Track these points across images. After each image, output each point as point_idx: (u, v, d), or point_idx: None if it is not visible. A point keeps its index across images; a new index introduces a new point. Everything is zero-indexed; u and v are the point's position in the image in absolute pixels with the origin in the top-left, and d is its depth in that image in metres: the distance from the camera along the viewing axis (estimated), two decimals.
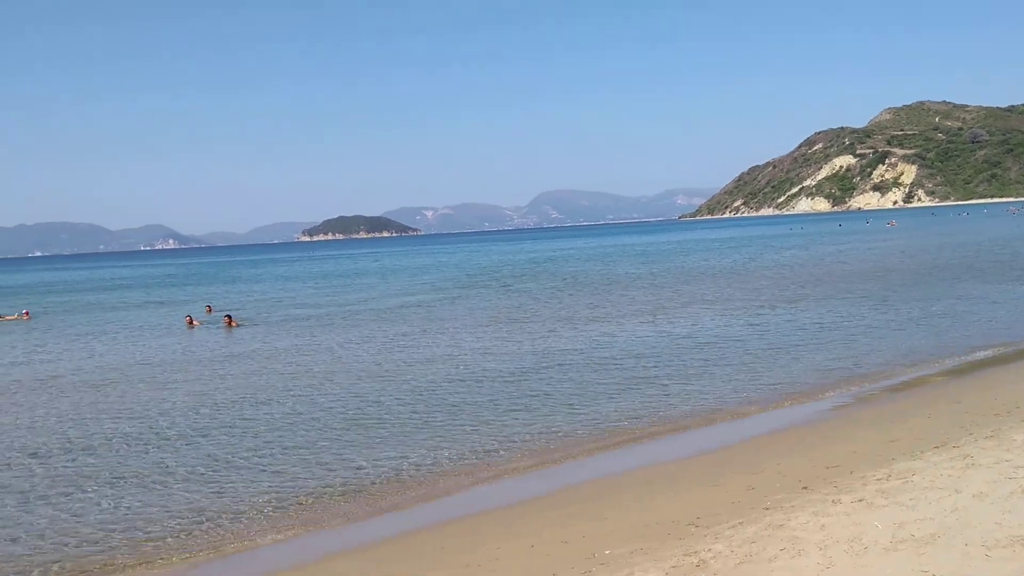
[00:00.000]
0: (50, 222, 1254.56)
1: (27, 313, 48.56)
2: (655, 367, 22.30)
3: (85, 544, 11.53)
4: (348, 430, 17.12)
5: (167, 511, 12.72)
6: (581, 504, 11.96)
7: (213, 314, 42.89)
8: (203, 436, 17.26)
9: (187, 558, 10.97)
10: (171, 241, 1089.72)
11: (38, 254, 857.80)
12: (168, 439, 17.13)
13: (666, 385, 19.92)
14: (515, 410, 18.12)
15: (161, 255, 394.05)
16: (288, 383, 22.81)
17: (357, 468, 14.47)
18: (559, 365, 23.37)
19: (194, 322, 38.78)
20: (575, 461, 14.46)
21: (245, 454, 15.69)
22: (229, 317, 38.47)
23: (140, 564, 10.83)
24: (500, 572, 9.30)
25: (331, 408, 19.30)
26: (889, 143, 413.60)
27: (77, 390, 23.58)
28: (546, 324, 33.08)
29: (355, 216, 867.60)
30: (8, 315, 47.65)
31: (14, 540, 11.81)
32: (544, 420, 17.10)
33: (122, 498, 13.45)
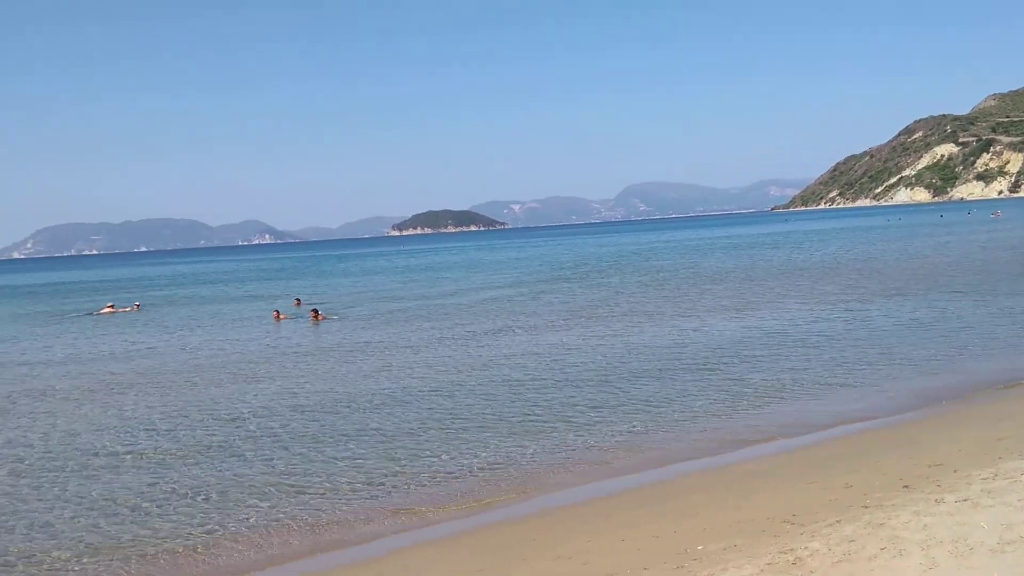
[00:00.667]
0: (154, 219, 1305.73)
1: (137, 305, 52.12)
2: (744, 363, 21.95)
3: (164, 526, 12.07)
4: (432, 425, 17.33)
5: (255, 503, 13.16)
6: (672, 501, 11.88)
7: (301, 307, 44.26)
8: (283, 429, 17.76)
9: (286, 544, 11.36)
10: (267, 236, 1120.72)
11: (143, 249, 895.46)
12: (250, 432, 17.69)
13: (758, 382, 19.57)
14: (601, 407, 18.08)
15: (257, 250, 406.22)
16: (370, 378, 23.21)
17: (442, 462, 14.67)
18: (646, 361, 23.22)
19: (281, 316, 40.10)
20: (664, 458, 14.36)
21: (328, 449, 16.07)
22: (316, 311, 39.45)
23: (212, 554, 11.25)
24: (590, 565, 9.32)
25: (413, 403, 19.59)
26: (994, 130, 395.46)
27: (168, 381, 24.67)
28: (631, 319, 32.89)
29: (443, 210, 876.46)
30: (122, 307, 50.41)
31: (114, 517, 12.43)
32: (632, 417, 17.02)
33: (206, 487, 14.00)
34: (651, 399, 18.41)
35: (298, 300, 47.27)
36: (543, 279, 60.25)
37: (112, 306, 51.38)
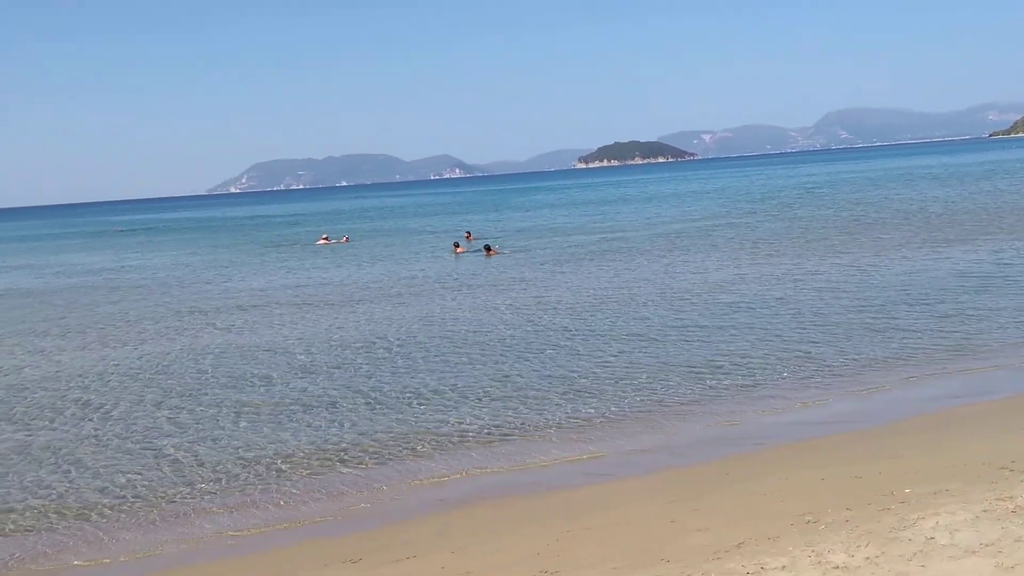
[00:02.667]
0: (353, 154, 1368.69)
1: (347, 238, 55.44)
2: (952, 300, 20.57)
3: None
4: (610, 361, 17.44)
5: (426, 424, 13.77)
6: (877, 441, 11.44)
7: (473, 241, 45.58)
8: (445, 360, 18.31)
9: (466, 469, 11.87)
10: (457, 170, 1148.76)
11: (344, 184, 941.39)
12: (406, 358, 18.44)
13: (971, 318, 18.31)
14: (796, 342, 17.56)
15: (446, 184, 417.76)
16: (539, 313, 23.36)
17: (629, 397, 14.75)
18: (843, 297, 22.22)
19: (459, 249, 41.50)
20: (871, 397, 13.79)
21: (506, 379, 16.51)
22: (488, 246, 40.56)
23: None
24: (788, 502, 9.14)
25: (579, 336, 19.72)
26: None
27: (350, 306, 26.31)
28: (813, 253, 31.45)
29: (630, 142, 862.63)
30: (335, 239, 53.85)
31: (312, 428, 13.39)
32: (832, 354, 16.43)
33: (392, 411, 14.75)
34: (852, 334, 17.68)
35: (468, 234, 48.78)
36: (724, 212, 58.25)
37: (326, 237, 55.08)
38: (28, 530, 10.64)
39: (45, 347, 23.04)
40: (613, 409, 13.93)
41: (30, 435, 14.51)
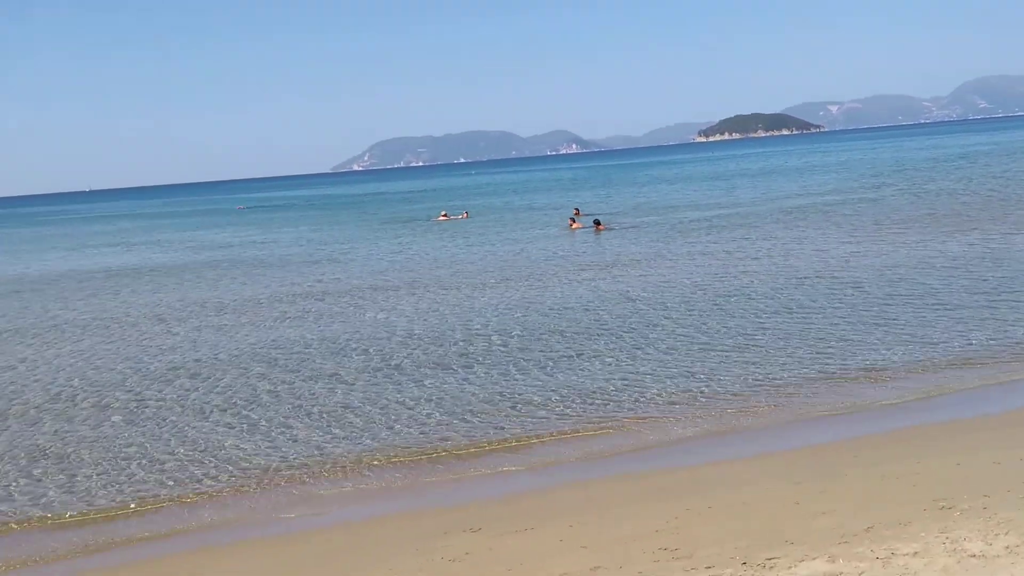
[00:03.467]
0: (470, 131, 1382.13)
1: (466, 213, 56.70)
2: None
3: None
4: (728, 338, 17.09)
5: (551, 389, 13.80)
6: (1017, 428, 10.85)
7: (581, 216, 45.67)
8: (534, 337, 18.32)
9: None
10: (573, 146, 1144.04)
11: (461, 160, 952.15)
12: (502, 336, 18.44)
13: None
14: (920, 325, 16.80)
15: (562, 159, 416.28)
16: (644, 290, 23.14)
17: (753, 374, 14.44)
18: (971, 277, 21.09)
19: (575, 224, 41.36)
20: (1006, 384, 13.11)
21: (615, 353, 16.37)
22: (597, 221, 40.52)
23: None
24: (920, 486, 8.80)
25: (692, 315, 19.43)
26: None
27: (458, 280, 26.55)
28: (941, 231, 29.90)
29: (752, 114, 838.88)
30: (454, 215, 54.93)
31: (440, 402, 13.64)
32: (969, 337, 15.69)
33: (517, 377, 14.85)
34: (990, 318, 16.75)
35: (577, 211, 48.78)
36: (848, 187, 55.68)
37: (446, 214, 56.28)
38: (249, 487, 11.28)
39: (175, 315, 24.31)
40: (735, 388, 13.69)
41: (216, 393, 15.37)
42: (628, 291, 22.95)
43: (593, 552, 7.85)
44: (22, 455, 12.92)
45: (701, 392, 13.60)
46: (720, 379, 14.17)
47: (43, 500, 11.15)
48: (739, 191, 61.61)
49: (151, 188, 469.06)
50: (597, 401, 13.54)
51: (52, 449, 13.11)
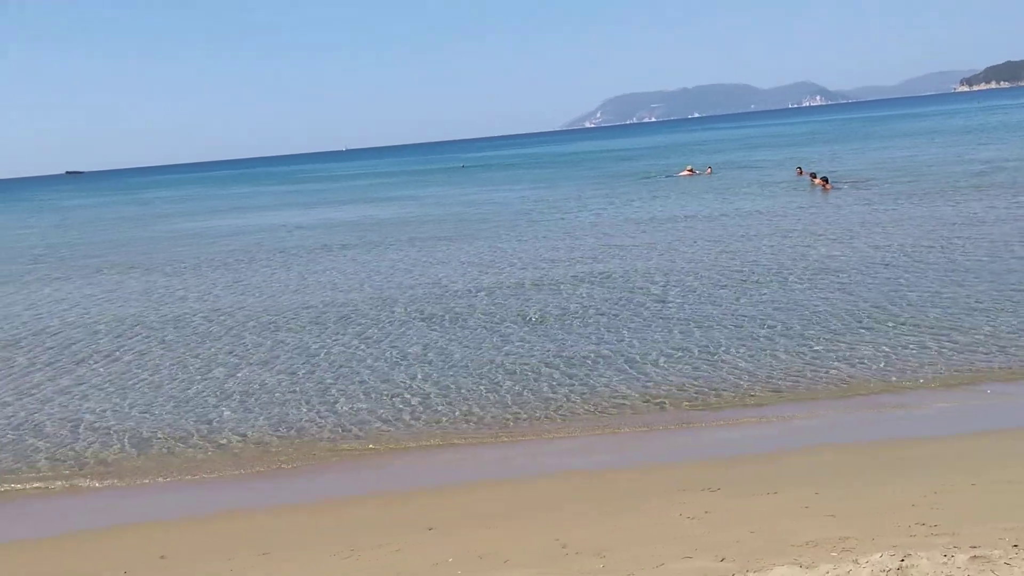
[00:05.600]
0: (706, 85, 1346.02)
1: (710, 169, 55.52)
2: None
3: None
4: (976, 303, 15.57)
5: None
6: None
7: (803, 176, 43.63)
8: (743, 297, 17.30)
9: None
10: (818, 98, 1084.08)
11: (696, 115, 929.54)
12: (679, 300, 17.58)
13: None
14: None
15: (804, 112, 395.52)
16: (874, 252, 21.70)
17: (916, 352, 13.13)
18: None
19: (818, 180, 38.72)
20: None
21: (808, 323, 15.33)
22: (824, 179, 38.16)
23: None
24: None
25: (928, 277, 17.91)
26: None
27: (691, 232, 25.68)
28: None
29: None
30: (698, 171, 54.31)
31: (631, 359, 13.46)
32: None
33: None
34: None
35: (800, 169, 46.19)
36: None
37: (691, 168, 55.49)
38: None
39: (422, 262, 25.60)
40: (1002, 358, 12.53)
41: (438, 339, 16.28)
42: (872, 255, 21.54)
43: (841, 521, 7.49)
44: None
45: (958, 360, 12.57)
46: (979, 348, 13.00)
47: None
48: (1003, 147, 55.37)
49: (394, 148, 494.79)
50: (843, 364, 12.87)
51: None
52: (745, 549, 6.96)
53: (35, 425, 13.16)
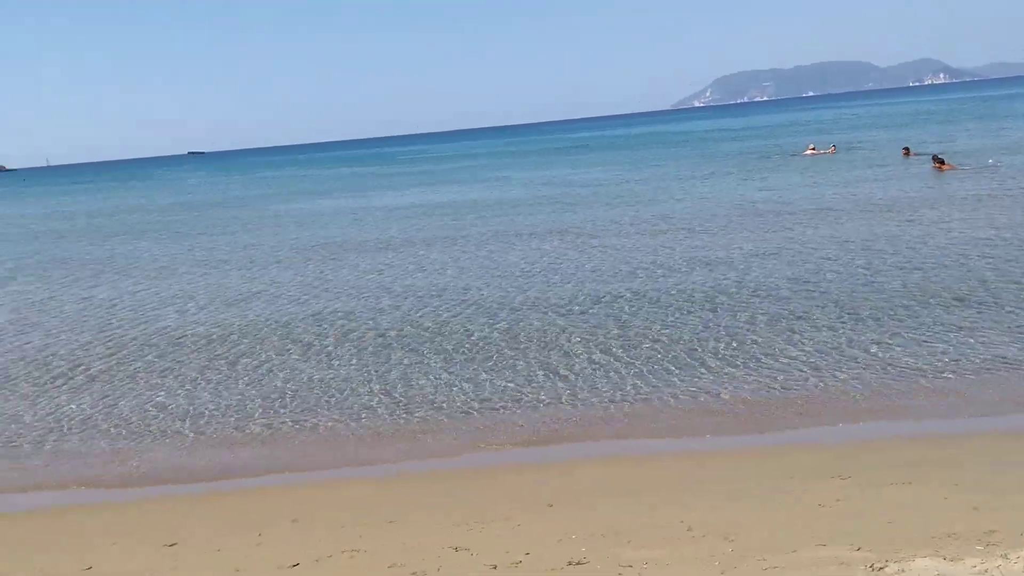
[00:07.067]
0: (822, 62, 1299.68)
1: (833, 148, 53.96)
2: None
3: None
4: None
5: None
6: None
7: (911, 157, 42.50)
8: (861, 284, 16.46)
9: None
10: (941, 75, 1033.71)
11: (810, 94, 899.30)
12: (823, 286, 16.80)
13: None
14: None
15: (926, 91, 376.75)
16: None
17: None
18: None
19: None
20: None
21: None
22: (941, 160, 36.34)
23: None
24: None
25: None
26: None
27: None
28: None
29: None
30: (822, 150, 52.85)
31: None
32: None
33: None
34: None
35: (907, 149, 44.10)
36: None
37: (813, 148, 53.97)
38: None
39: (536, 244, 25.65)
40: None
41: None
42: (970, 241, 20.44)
43: (985, 514, 7.11)
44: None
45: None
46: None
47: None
48: None
49: (504, 128, 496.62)
50: (981, 353, 12.25)
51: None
52: (882, 539, 6.71)
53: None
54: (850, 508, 7.61)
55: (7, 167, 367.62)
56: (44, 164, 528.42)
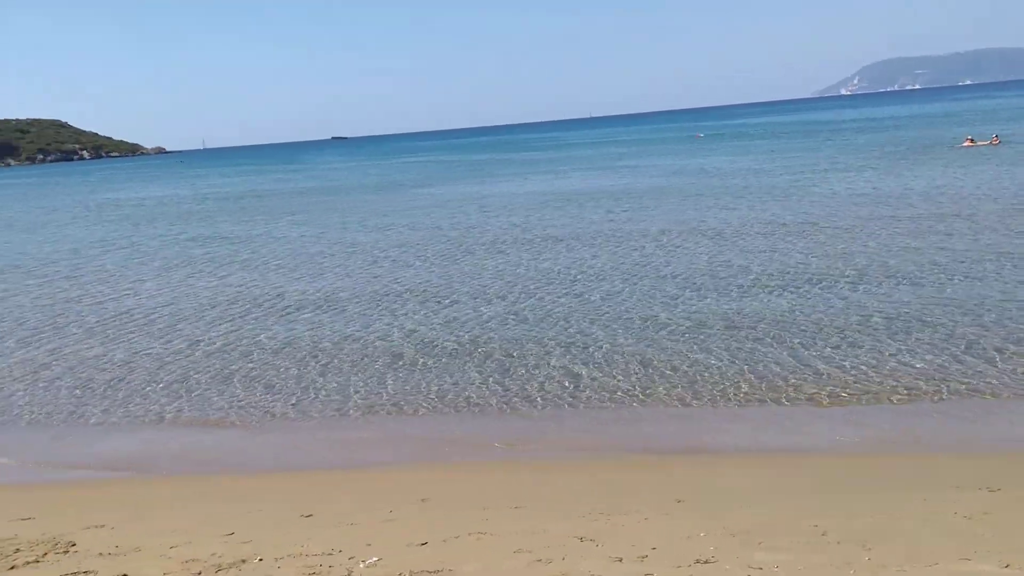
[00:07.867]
0: (982, 48, 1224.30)
1: (995, 138, 50.85)
2: None
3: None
4: None
5: None
6: None
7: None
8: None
9: None
10: None
11: (968, 82, 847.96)
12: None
13: None
14: None
15: None
16: None
17: None
18: None
19: None
20: None
21: None
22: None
23: None
24: None
25: None
26: None
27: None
28: None
29: None
30: (981, 141, 50.16)
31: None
32: None
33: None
34: None
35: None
36: None
37: (971, 139, 51.15)
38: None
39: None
40: None
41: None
42: None
43: None
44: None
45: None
46: None
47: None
48: None
49: (633, 116, 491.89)
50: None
51: None
52: None
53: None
54: (999, 522, 7.19)
55: (167, 149, 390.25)
56: (200, 147, 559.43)
